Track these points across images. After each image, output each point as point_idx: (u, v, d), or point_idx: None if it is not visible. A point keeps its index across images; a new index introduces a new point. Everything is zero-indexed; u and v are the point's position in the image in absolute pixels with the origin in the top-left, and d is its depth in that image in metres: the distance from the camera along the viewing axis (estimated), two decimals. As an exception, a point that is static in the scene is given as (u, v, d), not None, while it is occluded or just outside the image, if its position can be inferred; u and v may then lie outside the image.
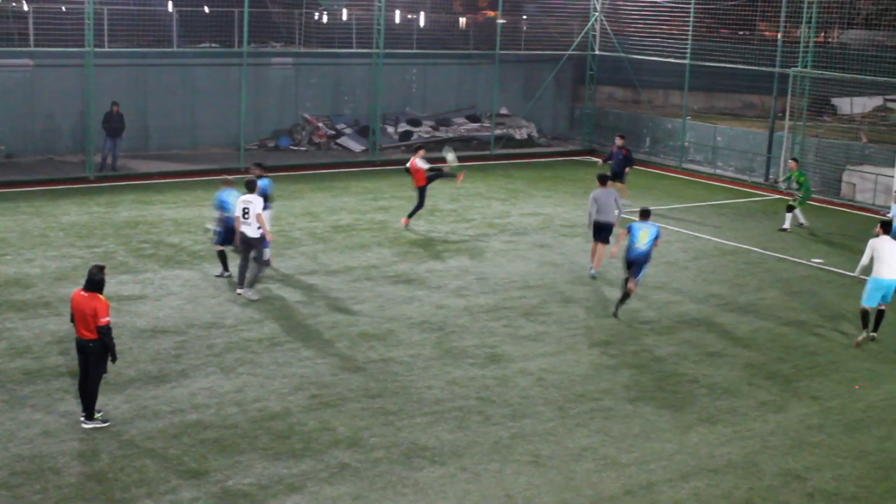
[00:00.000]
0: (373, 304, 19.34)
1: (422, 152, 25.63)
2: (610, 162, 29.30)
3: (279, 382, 15.37)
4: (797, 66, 32.94)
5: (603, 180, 22.06)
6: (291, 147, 36.08)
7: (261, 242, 19.29)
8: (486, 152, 37.33)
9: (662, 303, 20.33)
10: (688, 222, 27.29)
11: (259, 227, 19.12)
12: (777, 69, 33.86)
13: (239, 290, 19.35)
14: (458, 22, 46.99)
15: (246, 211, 19.03)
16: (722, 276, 22.48)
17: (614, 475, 12.97)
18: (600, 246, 21.87)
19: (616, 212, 21.67)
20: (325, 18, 42.39)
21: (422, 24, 43.86)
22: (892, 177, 30.10)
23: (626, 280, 19.42)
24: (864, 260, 18.39)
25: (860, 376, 16.85)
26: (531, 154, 38.43)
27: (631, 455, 13.54)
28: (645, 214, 19.89)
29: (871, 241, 18.31)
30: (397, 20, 41.23)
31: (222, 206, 20.17)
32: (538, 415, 14.66)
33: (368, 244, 23.75)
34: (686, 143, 37.17)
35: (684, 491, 12.68)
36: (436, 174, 25.86)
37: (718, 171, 35.73)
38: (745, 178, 34.72)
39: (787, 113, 33.71)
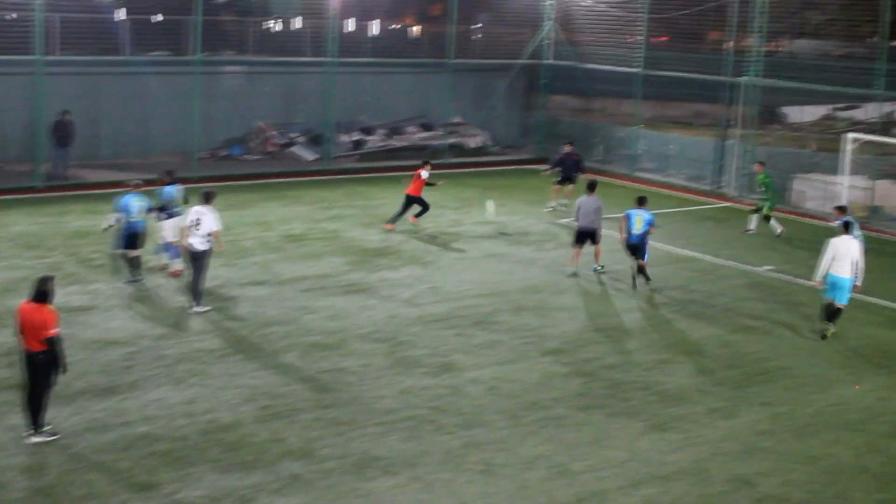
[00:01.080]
0: (325, 313, 19.28)
1: (428, 167, 26.81)
2: (558, 168, 30.20)
3: (230, 393, 15.28)
4: (747, 76, 33.29)
5: (591, 187, 23.11)
6: (244, 156, 35.90)
7: (207, 256, 19.07)
8: (439, 161, 37.32)
9: (614, 310, 20.44)
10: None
11: (207, 240, 18.90)
12: (728, 78, 34.17)
13: (189, 304, 19.16)
14: (410, 30, 47.09)
15: (196, 222, 18.85)
16: (673, 284, 22.63)
17: (566, 483, 13.01)
18: (593, 247, 22.90)
19: (598, 219, 22.70)
20: (278, 27, 42.28)
21: (375, 32, 43.87)
22: (837, 185, 30.49)
23: (635, 260, 21.91)
24: (824, 259, 19.03)
25: (809, 382, 17.04)
26: (484, 162, 38.50)
27: (583, 463, 13.59)
28: (641, 201, 22.20)
29: (831, 241, 19.09)
30: (350, 28, 41.21)
31: (122, 210, 20.08)
32: (490, 423, 14.68)
33: (321, 253, 23.68)
34: (638, 152, 37.41)
35: (635, 498, 12.75)
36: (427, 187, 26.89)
37: (670, 180, 35.96)
38: (699, 186, 34.97)
39: (738, 121, 34.05)
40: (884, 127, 32.87)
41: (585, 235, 22.79)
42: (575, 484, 13.01)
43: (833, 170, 31.00)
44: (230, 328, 18.25)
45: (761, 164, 28.89)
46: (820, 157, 33.05)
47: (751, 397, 16.24)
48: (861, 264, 19.10)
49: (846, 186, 30.31)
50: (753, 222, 28.02)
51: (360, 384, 15.90)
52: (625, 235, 21.91)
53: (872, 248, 21.91)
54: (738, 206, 32.01)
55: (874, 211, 30.78)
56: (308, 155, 36.16)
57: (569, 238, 26.36)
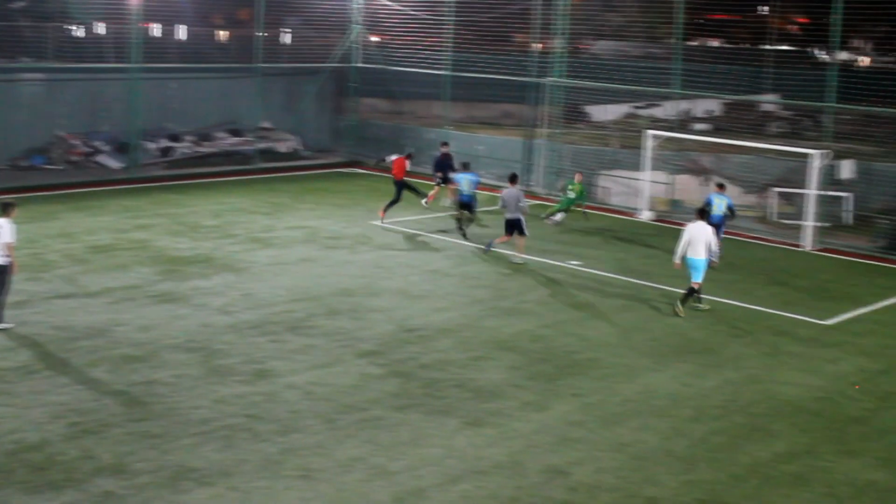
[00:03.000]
0: (134, 325, 18.83)
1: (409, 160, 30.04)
2: (440, 172, 31.29)
3: (36, 412, 14.76)
4: (551, 76, 34.13)
5: (513, 179, 25.36)
6: (46, 166, 34.71)
7: (7, 270, 18.26)
8: (249, 166, 36.99)
9: (427, 310, 20.65)
10: (451, 231, 27.82)
11: (5, 254, 18.14)
12: (533, 79, 34.96)
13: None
14: (218, 35, 46.44)
15: (-9, 236, 18.08)
16: (485, 282, 23.02)
17: (384, 484, 13.08)
18: (517, 238, 24.91)
19: (521, 206, 24.78)
20: (79, 32, 41.05)
21: (181, 37, 43.12)
22: (640, 180, 31.60)
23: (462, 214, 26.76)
24: (681, 243, 20.87)
25: (617, 372, 17.59)
26: (295, 167, 38.33)
27: (400, 463, 13.69)
28: (466, 166, 27.96)
29: (688, 226, 20.88)
30: (155, 34, 40.37)
31: None
32: (307, 428, 14.63)
33: (129, 264, 23.12)
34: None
35: (453, 494, 12.91)
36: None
37: (480, 179, 36.42)
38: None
39: (544, 121, 34.87)
40: (681, 124, 34.26)
41: (511, 225, 24.78)
42: (393, 484, 13.09)
43: (635, 166, 32.13)
44: (35, 344, 17.62)
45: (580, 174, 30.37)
46: (623, 155, 34.18)
47: (562, 389, 16.67)
48: (714, 246, 21.12)
49: (648, 182, 31.45)
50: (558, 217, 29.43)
51: (173, 395, 15.61)
52: (457, 195, 26.83)
53: (674, 241, 22.72)
54: (546, 203, 32.73)
55: (674, 204, 32.03)
56: (113, 163, 35.24)
57: (381, 241, 26.61)
